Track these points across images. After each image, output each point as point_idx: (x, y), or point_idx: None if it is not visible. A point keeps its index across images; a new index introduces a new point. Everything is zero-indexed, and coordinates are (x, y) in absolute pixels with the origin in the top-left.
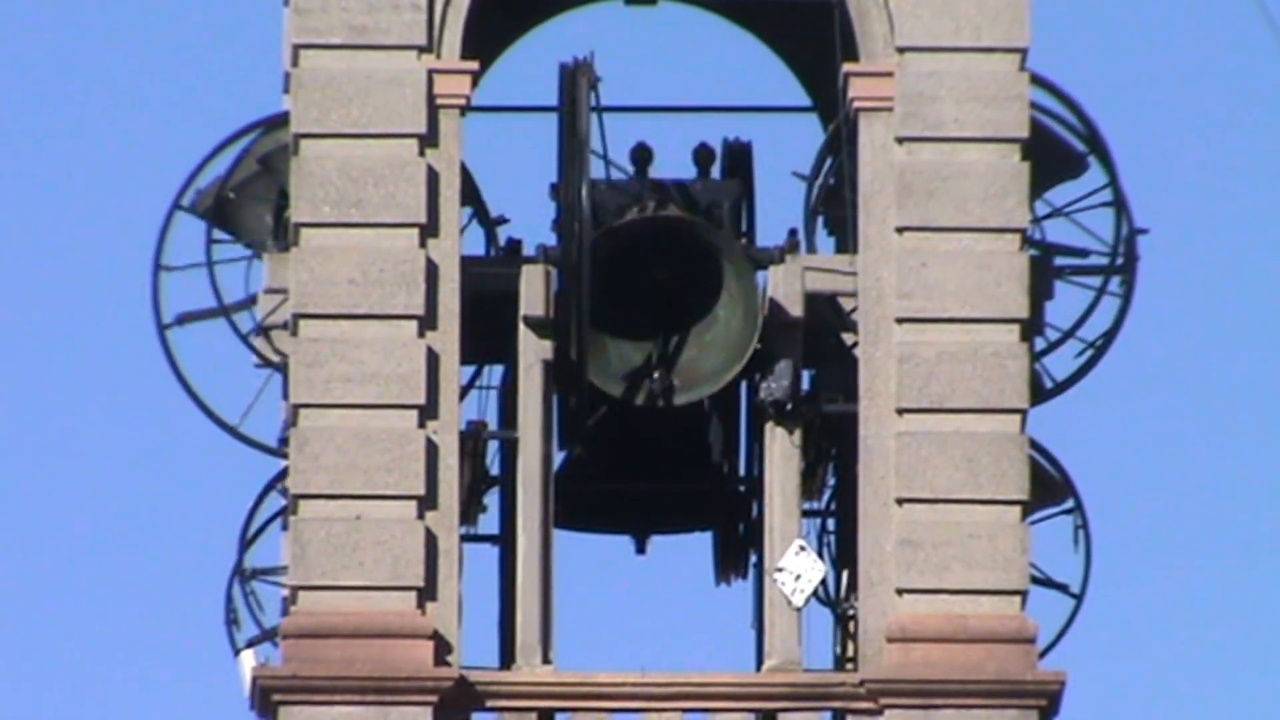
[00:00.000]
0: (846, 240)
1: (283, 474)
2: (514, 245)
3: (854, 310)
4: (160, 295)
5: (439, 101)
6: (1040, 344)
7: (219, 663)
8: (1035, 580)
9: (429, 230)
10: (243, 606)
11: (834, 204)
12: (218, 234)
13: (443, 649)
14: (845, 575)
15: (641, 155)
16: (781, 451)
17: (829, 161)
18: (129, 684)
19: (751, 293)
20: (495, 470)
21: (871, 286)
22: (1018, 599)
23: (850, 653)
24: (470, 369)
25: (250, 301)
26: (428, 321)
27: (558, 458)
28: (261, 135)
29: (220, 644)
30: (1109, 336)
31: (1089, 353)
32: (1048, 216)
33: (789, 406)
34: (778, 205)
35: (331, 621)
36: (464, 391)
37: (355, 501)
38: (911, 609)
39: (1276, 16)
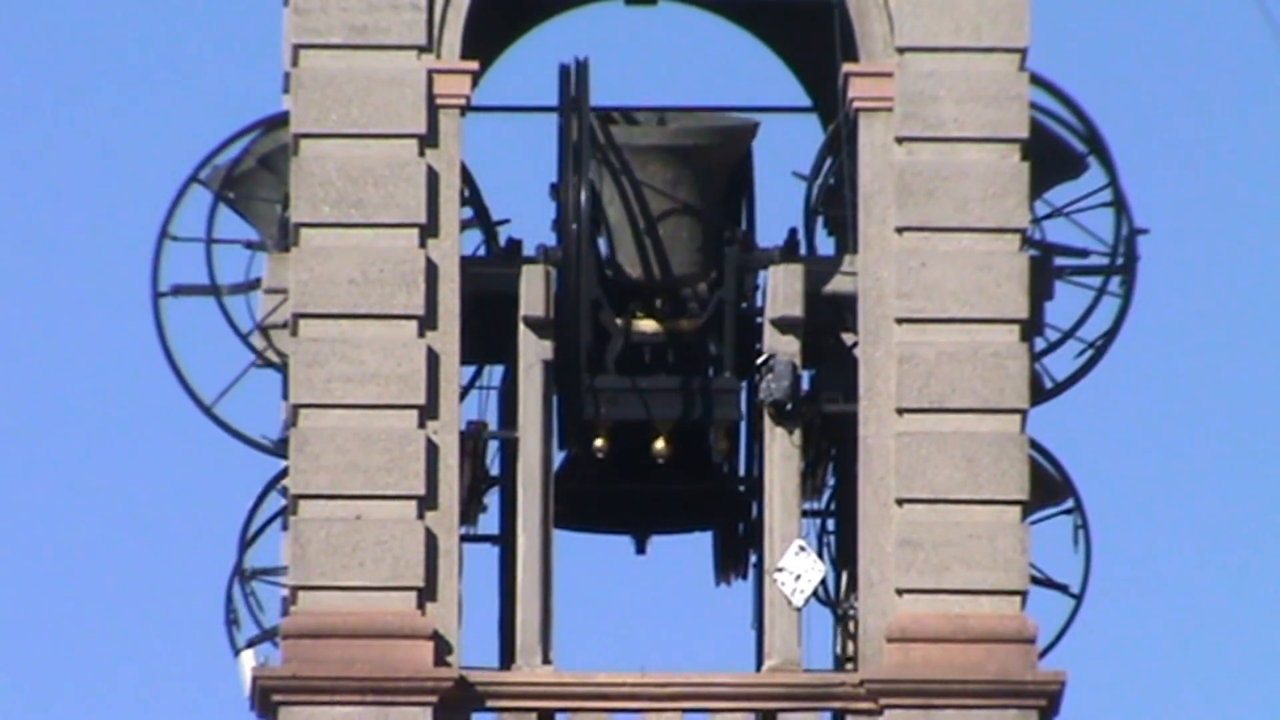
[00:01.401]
0: (846, 240)
1: (283, 474)
2: (514, 245)
3: (854, 310)
4: (161, 263)
5: (439, 101)
6: (1040, 344)
7: (219, 663)
8: (1035, 580)
9: (429, 230)
10: (243, 606)
11: (834, 204)
12: (225, 213)
13: (443, 649)
14: (845, 575)
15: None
16: (781, 451)
17: (829, 161)
18: (129, 684)
19: None
20: (495, 470)
21: (871, 286)
22: (1018, 599)
23: (850, 653)
24: (470, 369)
25: (247, 286)
26: (428, 321)
27: (558, 458)
28: (263, 135)
29: (220, 644)
30: (1109, 336)
31: (1089, 353)
32: (1048, 216)
33: (789, 406)
34: (778, 205)
35: (331, 622)
36: (464, 391)
37: (355, 501)
38: (911, 609)
39: (1276, 16)
